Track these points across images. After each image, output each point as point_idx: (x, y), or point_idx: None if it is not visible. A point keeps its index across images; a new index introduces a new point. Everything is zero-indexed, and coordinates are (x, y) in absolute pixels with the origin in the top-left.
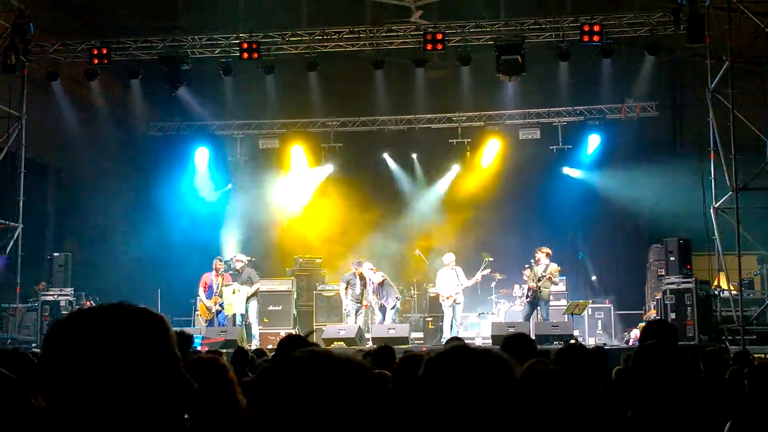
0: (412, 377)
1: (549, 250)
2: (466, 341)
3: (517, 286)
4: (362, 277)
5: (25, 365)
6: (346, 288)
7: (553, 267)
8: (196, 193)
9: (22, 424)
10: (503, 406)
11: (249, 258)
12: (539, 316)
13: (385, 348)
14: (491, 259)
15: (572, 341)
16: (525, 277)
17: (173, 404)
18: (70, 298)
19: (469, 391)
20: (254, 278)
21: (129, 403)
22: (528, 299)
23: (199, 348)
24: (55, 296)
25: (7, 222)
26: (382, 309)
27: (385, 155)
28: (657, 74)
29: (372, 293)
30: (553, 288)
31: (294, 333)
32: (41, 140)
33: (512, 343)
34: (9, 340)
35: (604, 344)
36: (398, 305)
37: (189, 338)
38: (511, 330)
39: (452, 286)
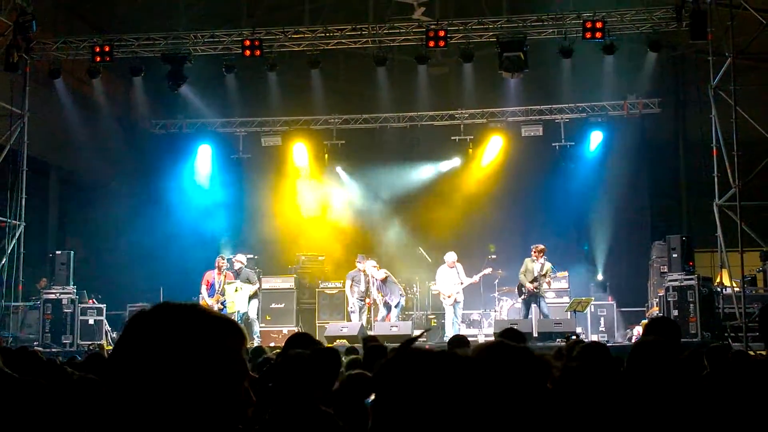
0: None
1: (541, 248)
2: (469, 338)
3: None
4: (366, 274)
5: (33, 364)
6: (351, 285)
7: (548, 266)
8: (199, 190)
9: (27, 424)
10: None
11: (249, 257)
12: (539, 314)
13: (378, 347)
14: (494, 256)
15: (573, 337)
16: (521, 275)
17: (234, 416)
18: (72, 296)
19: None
20: (252, 279)
21: (197, 407)
22: (524, 297)
23: None
24: (57, 294)
25: (9, 220)
26: (387, 306)
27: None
28: (659, 71)
29: (376, 290)
30: (556, 285)
31: (299, 330)
32: (44, 138)
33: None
34: (11, 339)
35: (607, 341)
36: (403, 302)
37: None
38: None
39: (453, 284)
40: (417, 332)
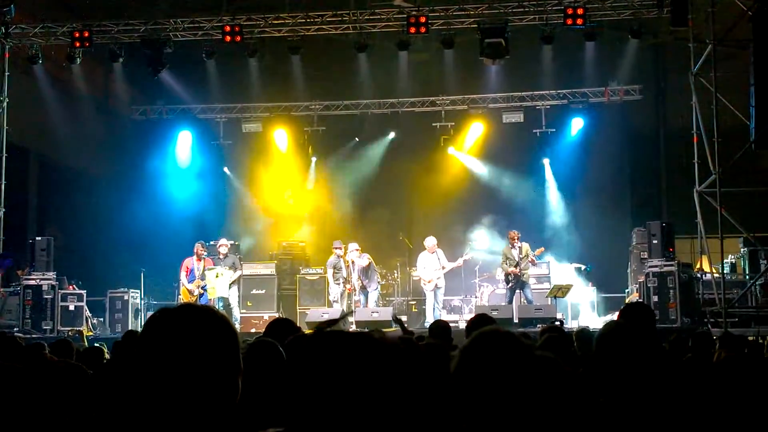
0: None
1: (517, 233)
2: (450, 324)
3: (499, 270)
4: (346, 260)
5: (12, 349)
6: (334, 273)
7: (526, 246)
8: (179, 177)
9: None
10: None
11: (231, 243)
12: (522, 300)
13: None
14: (474, 241)
15: (557, 323)
16: (503, 264)
17: (229, 406)
18: (53, 282)
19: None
20: (237, 264)
21: (196, 398)
22: (509, 285)
23: None
24: (38, 280)
25: None
26: (364, 291)
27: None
28: (640, 58)
29: (356, 276)
30: (537, 270)
31: (280, 316)
32: (23, 124)
33: (475, 326)
34: None
35: (587, 326)
36: (379, 288)
37: None
38: (495, 313)
39: (433, 270)
40: (402, 317)
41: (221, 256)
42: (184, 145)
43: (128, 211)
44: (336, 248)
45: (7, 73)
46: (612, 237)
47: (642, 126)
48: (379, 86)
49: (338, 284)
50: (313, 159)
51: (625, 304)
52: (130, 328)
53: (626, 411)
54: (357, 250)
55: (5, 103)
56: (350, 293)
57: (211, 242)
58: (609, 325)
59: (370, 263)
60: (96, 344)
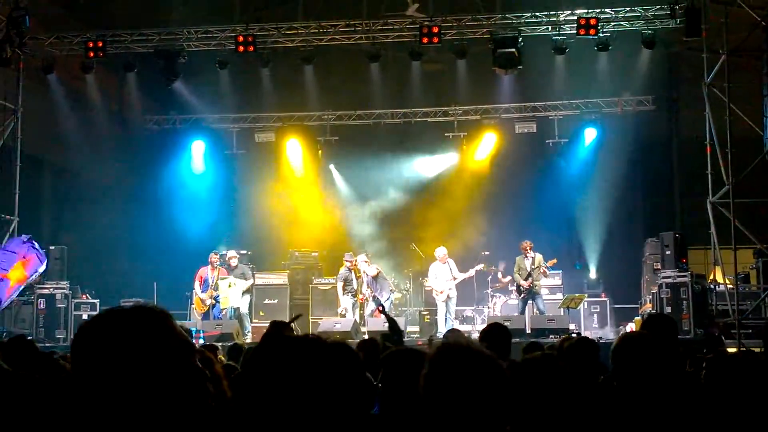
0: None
1: (529, 243)
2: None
3: (500, 273)
4: (356, 271)
5: (30, 353)
6: (344, 286)
7: (539, 257)
8: (192, 186)
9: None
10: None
11: (242, 252)
12: (534, 310)
13: (370, 341)
14: (486, 253)
15: (573, 335)
16: (515, 274)
17: (192, 391)
18: (66, 291)
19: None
20: (247, 274)
21: (152, 392)
22: (521, 295)
23: (202, 341)
24: (51, 289)
25: (3, 215)
26: (376, 301)
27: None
28: (653, 68)
29: (366, 286)
30: (550, 282)
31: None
32: (37, 133)
33: (490, 333)
34: (4, 333)
35: (600, 338)
36: (392, 298)
37: (187, 332)
38: (507, 323)
39: (445, 280)
40: (411, 328)
41: (232, 268)
42: (197, 155)
43: (142, 221)
44: (347, 260)
45: (21, 83)
46: (625, 247)
47: (655, 136)
48: (391, 96)
49: (347, 296)
50: (331, 166)
51: (648, 315)
52: None
53: (647, 420)
54: (366, 261)
55: (19, 113)
56: (362, 303)
57: (222, 252)
58: (629, 336)
59: (378, 273)
60: None
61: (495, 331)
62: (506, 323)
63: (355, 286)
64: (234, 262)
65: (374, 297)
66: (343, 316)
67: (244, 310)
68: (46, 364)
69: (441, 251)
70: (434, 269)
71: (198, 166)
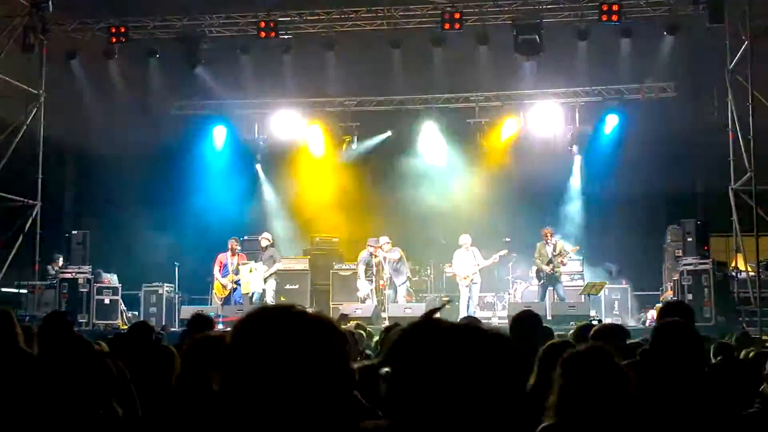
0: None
1: (550, 230)
2: (483, 321)
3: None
4: (377, 257)
5: (65, 330)
6: (366, 270)
7: (560, 244)
8: (214, 172)
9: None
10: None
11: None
12: (555, 297)
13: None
14: (509, 239)
15: (594, 322)
16: (536, 260)
17: (344, 422)
18: (88, 276)
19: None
20: (276, 258)
21: (305, 409)
22: (541, 281)
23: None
24: (74, 274)
25: (26, 200)
26: (392, 285)
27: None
28: (676, 54)
29: (389, 270)
30: (570, 268)
31: (314, 311)
32: (60, 119)
33: (520, 321)
34: (27, 318)
35: (619, 324)
36: (408, 284)
37: (209, 322)
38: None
39: (469, 266)
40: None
41: (262, 249)
42: (219, 140)
43: (163, 206)
44: (370, 245)
45: (44, 68)
46: (646, 235)
47: (677, 123)
48: (413, 82)
49: (369, 281)
50: (352, 151)
51: (665, 303)
52: (164, 322)
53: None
54: (388, 242)
55: (42, 98)
56: (383, 288)
57: (245, 237)
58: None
59: (401, 256)
60: None
61: (525, 318)
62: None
63: (374, 272)
64: (264, 244)
65: (391, 282)
66: (363, 301)
67: (269, 295)
68: (80, 346)
69: (465, 238)
70: (458, 256)
71: (219, 151)
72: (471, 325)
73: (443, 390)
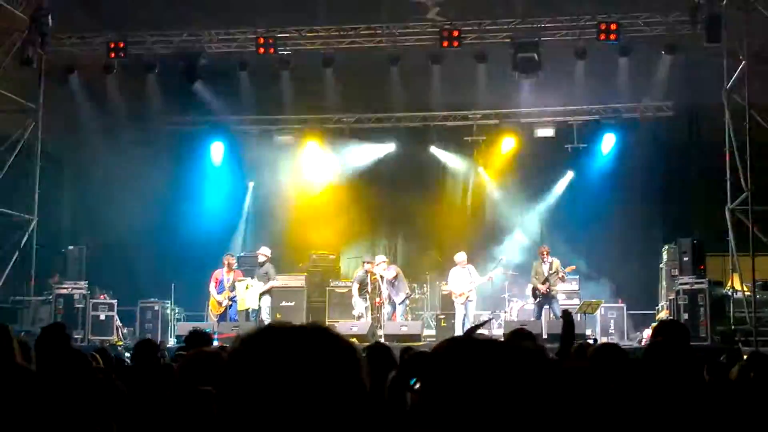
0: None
1: (547, 248)
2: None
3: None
4: (373, 275)
5: (63, 344)
6: (359, 288)
7: (556, 262)
8: (211, 188)
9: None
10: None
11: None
12: (551, 315)
13: (380, 347)
14: (504, 258)
15: (590, 340)
16: (533, 279)
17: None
18: (84, 292)
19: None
20: (272, 275)
21: None
22: (537, 300)
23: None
24: (70, 289)
25: (22, 215)
26: (392, 304)
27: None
28: (673, 74)
29: (385, 288)
30: (566, 286)
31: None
32: (58, 133)
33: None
34: (23, 333)
35: (616, 344)
36: (407, 301)
37: (208, 338)
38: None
39: (465, 284)
40: (429, 332)
41: (258, 264)
42: (216, 156)
43: (160, 222)
44: (366, 263)
45: (42, 83)
46: (643, 254)
47: (674, 142)
48: (411, 99)
49: (364, 299)
50: (349, 169)
51: (660, 322)
52: (160, 338)
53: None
54: (384, 262)
55: (40, 113)
56: (379, 306)
57: (242, 253)
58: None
59: (397, 274)
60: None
61: (520, 337)
62: (522, 327)
63: (369, 290)
64: (262, 259)
65: (390, 300)
66: (359, 319)
67: (265, 312)
68: (76, 359)
69: (461, 256)
70: (454, 274)
71: (217, 168)
72: (513, 344)
73: (478, 407)
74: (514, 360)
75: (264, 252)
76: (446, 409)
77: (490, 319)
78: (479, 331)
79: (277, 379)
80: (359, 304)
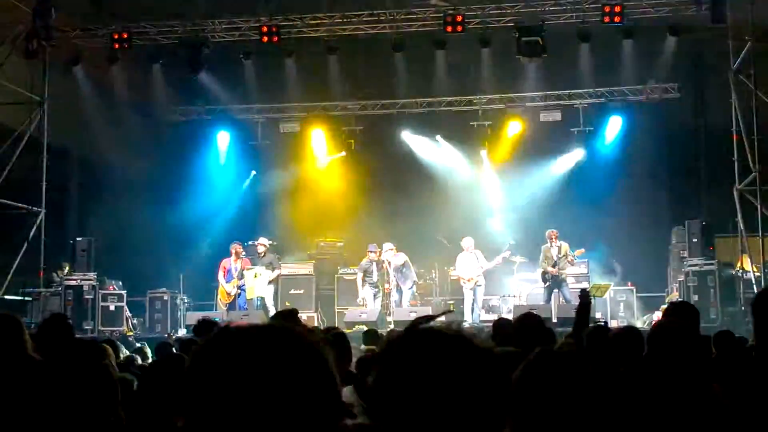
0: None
1: (555, 232)
2: (488, 324)
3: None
4: (380, 262)
5: (68, 334)
6: (363, 277)
7: (565, 246)
8: (218, 177)
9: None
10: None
11: (271, 242)
12: (560, 299)
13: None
14: (513, 242)
15: (601, 323)
16: (542, 263)
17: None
18: (93, 283)
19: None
20: (275, 264)
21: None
22: (546, 284)
23: None
24: (78, 281)
25: (30, 207)
26: (399, 290)
27: (405, 133)
28: (679, 55)
29: (393, 275)
30: (575, 270)
31: (319, 316)
32: (63, 125)
33: (523, 323)
34: (33, 326)
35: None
36: (415, 288)
37: (213, 324)
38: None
39: (473, 269)
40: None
41: (259, 255)
42: (222, 145)
43: (168, 212)
44: (370, 251)
45: (47, 75)
46: (651, 236)
47: (681, 124)
48: (416, 85)
49: (367, 287)
50: (356, 155)
51: (671, 303)
52: (169, 328)
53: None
54: (392, 249)
55: (46, 105)
56: (388, 293)
57: (249, 242)
58: (661, 324)
59: (405, 261)
60: (138, 344)
61: (529, 321)
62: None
63: (375, 278)
64: (261, 250)
65: (398, 286)
66: (361, 305)
67: (269, 300)
68: (82, 348)
69: (468, 241)
70: (461, 259)
71: (223, 157)
72: (458, 333)
73: (424, 397)
74: (452, 352)
75: (263, 242)
76: (389, 398)
77: (448, 311)
78: (440, 320)
79: (233, 383)
80: (363, 292)
